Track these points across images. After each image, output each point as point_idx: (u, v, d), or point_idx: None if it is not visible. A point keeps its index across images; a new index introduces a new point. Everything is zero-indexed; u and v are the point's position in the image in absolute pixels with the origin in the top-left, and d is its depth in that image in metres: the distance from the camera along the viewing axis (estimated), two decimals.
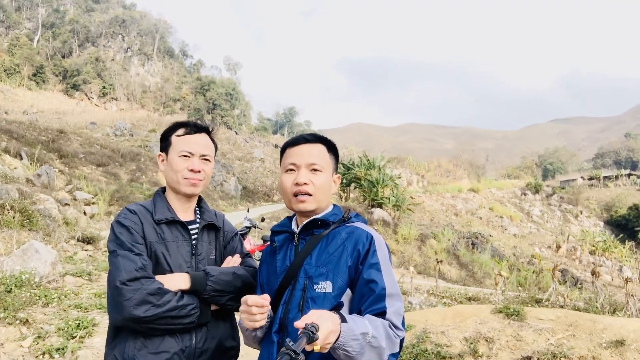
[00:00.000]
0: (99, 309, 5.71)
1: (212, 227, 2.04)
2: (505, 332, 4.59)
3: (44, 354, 4.39)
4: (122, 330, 1.79)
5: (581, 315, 4.73)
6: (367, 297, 1.60)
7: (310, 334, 1.28)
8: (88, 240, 9.71)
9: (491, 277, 19.69)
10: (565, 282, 19.93)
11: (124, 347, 1.77)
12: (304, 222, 1.77)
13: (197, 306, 1.78)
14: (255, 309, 1.55)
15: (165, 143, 2.01)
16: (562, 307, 7.48)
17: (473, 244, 25.46)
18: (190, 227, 1.96)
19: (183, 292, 1.78)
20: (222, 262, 2.03)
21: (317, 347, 1.31)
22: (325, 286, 1.64)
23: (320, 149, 1.80)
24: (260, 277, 1.90)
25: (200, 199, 2.08)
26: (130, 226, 1.82)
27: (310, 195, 1.74)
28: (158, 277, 1.77)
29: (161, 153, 2.03)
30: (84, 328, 4.91)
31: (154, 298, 1.68)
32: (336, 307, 1.57)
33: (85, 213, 14.60)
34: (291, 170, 1.78)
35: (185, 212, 2.00)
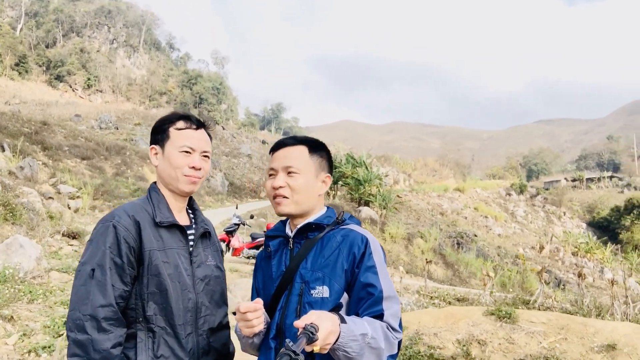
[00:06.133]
0: None
1: (206, 234, 1.96)
2: (498, 335, 4.60)
3: (29, 352, 4.29)
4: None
5: (572, 319, 4.76)
6: (364, 300, 1.60)
7: (310, 334, 1.28)
8: (73, 235, 9.54)
9: (476, 276, 19.87)
10: (549, 283, 20.19)
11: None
12: (298, 226, 1.75)
13: None
14: (250, 315, 1.54)
15: (161, 135, 1.87)
16: (549, 308, 7.55)
17: (458, 244, 25.67)
18: (188, 232, 1.88)
19: None
20: (223, 272, 1.98)
21: (316, 348, 1.31)
22: (322, 291, 1.63)
23: (299, 150, 1.77)
24: (256, 283, 1.88)
25: (191, 199, 2.00)
26: (125, 237, 1.71)
27: (287, 197, 1.73)
28: None
29: (154, 146, 1.89)
30: None
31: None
32: (335, 308, 1.55)
33: (69, 207, 14.38)
34: (272, 175, 1.79)
35: (179, 212, 1.91)
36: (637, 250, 35.01)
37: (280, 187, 1.72)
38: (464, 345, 4.52)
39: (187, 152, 1.84)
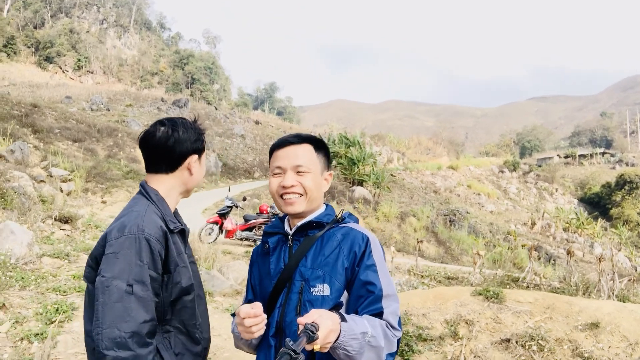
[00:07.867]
0: (79, 292, 5.64)
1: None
2: (485, 315, 4.68)
3: (22, 339, 4.32)
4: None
5: (558, 298, 4.84)
6: (363, 298, 1.61)
7: (310, 333, 1.28)
8: (65, 220, 9.52)
9: (468, 253, 20.08)
10: (539, 258, 20.42)
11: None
12: (298, 224, 1.75)
13: None
14: (248, 321, 1.51)
15: (201, 145, 1.94)
16: (537, 285, 7.67)
17: (451, 221, 25.87)
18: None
19: None
20: (196, 265, 2.01)
21: (317, 347, 1.31)
22: (322, 289, 1.64)
23: (306, 149, 1.78)
24: (252, 279, 1.88)
25: None
26: (159, 250, 1.71)
27: (301, 195, 1.73)
28: None
29: (196, 155, 1.92)
30: (64, 312, 4.85)
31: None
32: (336, 307, 1.56)
33: (61, 190, 14.32)
34: (278, 173, 1.77)
35: None
36: (627, 225, 35.49)
37: (292, 186, 1.72)
38: (451, 325, 4.60)
39: None
